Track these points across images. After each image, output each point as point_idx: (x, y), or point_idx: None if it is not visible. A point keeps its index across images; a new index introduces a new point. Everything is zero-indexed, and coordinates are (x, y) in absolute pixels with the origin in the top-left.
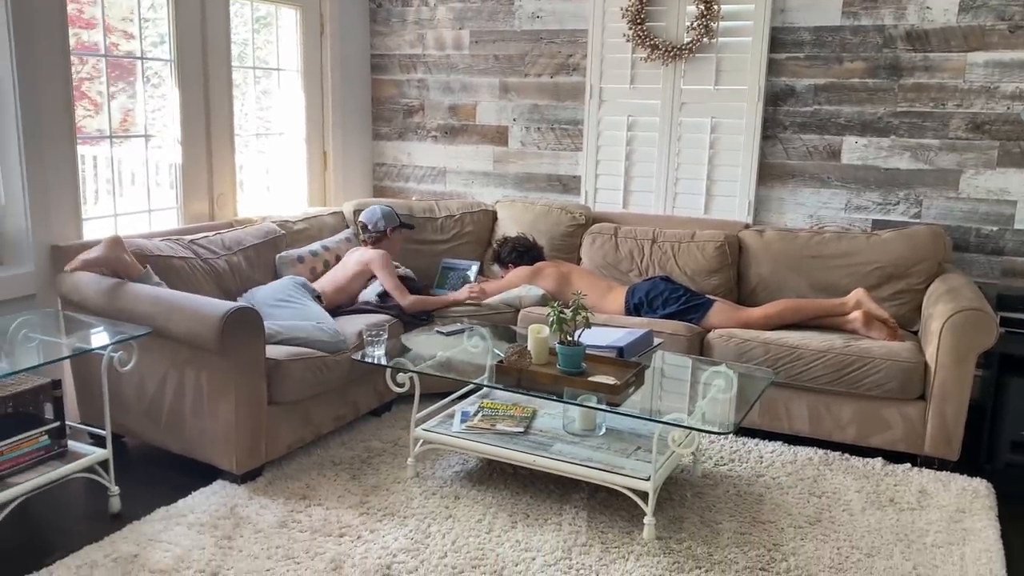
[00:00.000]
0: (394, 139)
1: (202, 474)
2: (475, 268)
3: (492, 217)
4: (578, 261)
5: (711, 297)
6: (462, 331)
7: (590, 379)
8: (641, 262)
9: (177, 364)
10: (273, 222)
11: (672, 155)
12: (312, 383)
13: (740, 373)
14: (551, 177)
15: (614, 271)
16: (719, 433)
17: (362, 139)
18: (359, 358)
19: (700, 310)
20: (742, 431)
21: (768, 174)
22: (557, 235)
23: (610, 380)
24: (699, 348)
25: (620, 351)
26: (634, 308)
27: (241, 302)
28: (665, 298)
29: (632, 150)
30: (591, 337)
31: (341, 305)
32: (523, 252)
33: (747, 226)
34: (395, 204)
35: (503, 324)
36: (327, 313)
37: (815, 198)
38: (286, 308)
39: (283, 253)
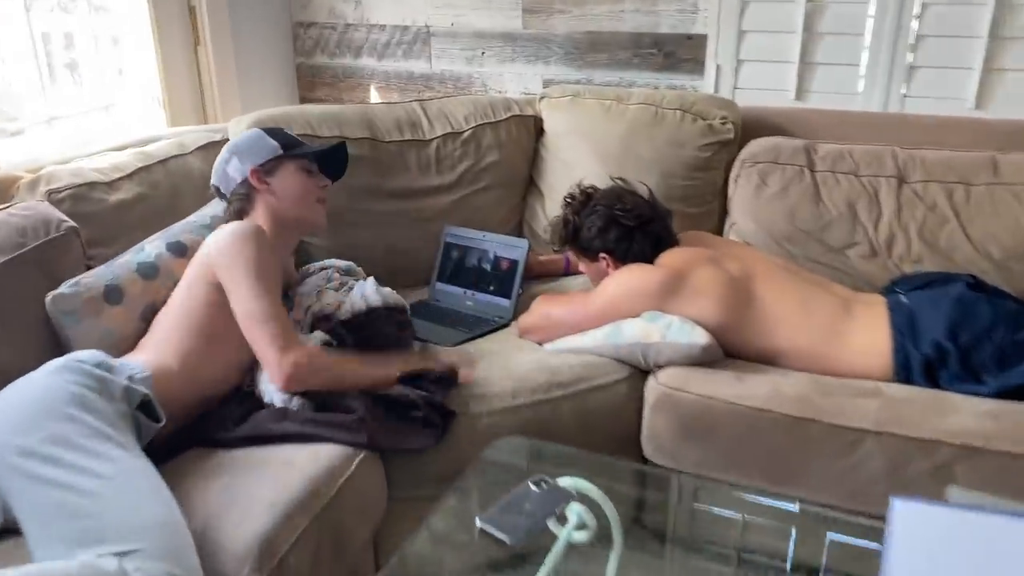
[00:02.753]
0: None
1: None
2: (520, 253)
3: (534, 130)
4: (719, 225)
5: None
6: (541, 525)
7: None
8: (875, 228)
9: None
10: (52, 191)
11: None
12: None
13: None
14: (640, 40)
15: (818, 250)
16: None
17: None
18: None
19: None
20: None
21: None
22: (677, 167)
23: None
24: None
25: None
26: (923, 364)
27: None
28: (1002, 342)
29: None
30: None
31: (228, 407)
32: (632, 229)
33: None
34: (338, 116)
35: (611, 450)
36: (160, 485)
37: None
38: (42, 486)
39: (65, 288)
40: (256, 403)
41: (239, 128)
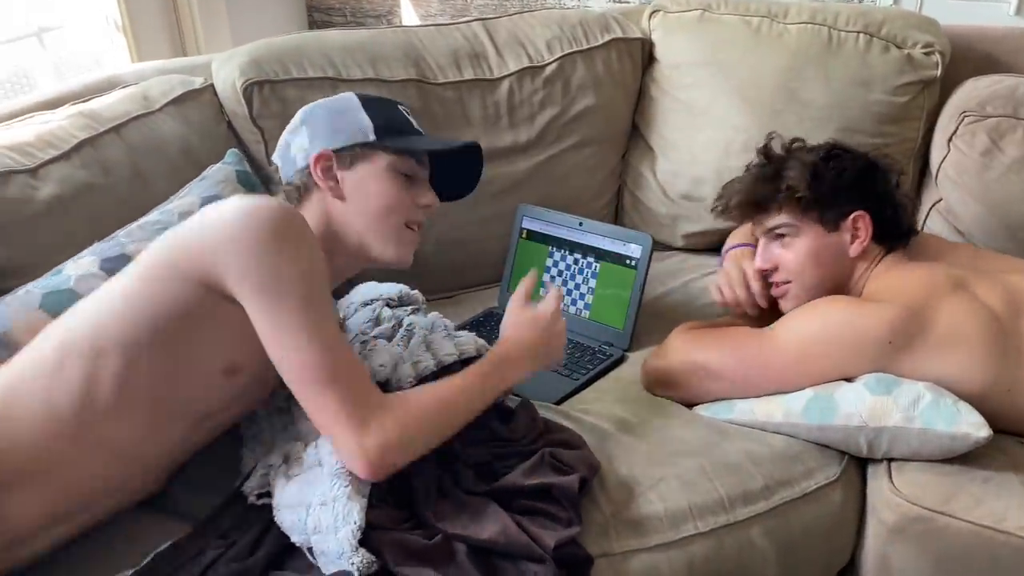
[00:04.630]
0: None
1: None
2: (640, 253)
3: (641, 60)
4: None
5: None
6: None
7: None
8: None
9: None
10: None
11: None
12: None
13: None
14: None
15: None
16: None
17: None
18: None
19: None
20: None
21: None
22: (861, 118)
23: None
24: None
25: None
26: None
27: None
28: None
29: None
30: None
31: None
32: (896, 188)
33: None
34: (369, 48)
35: None
36: None
37: None
38: None
39: None
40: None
41: (229, 69)
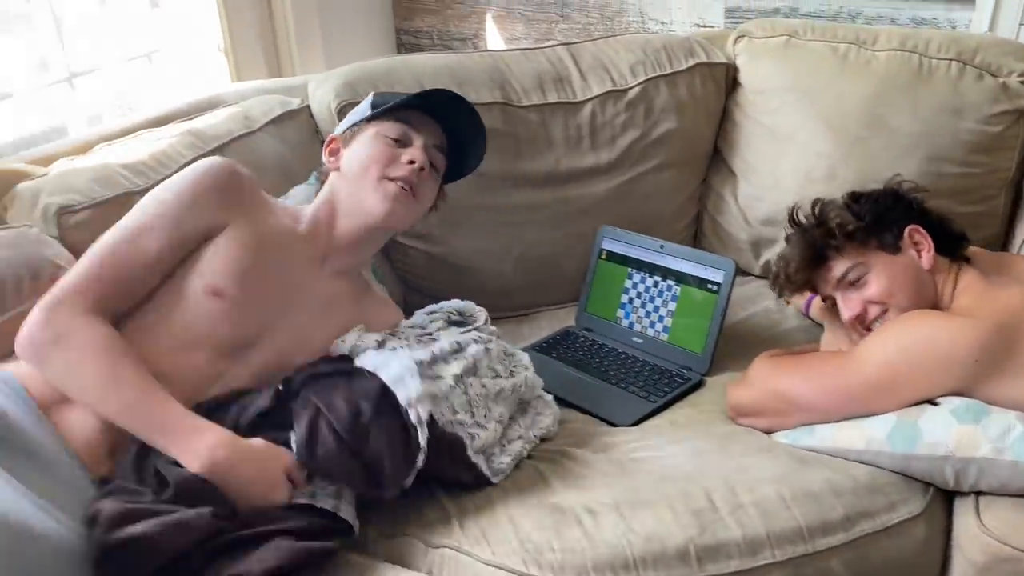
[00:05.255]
0: None
1: None
2: (723, 278)
3: (725, 84)
4: (1004, 233)
5: None
6: None
7: None
8: None
9: None
10: (64, 209)
11: None
12: None
13: None
14: None
15: None
16: None
17: None
18: None
19: None
20: None
21: None
22: (951, 147)
23: None
24: None
25: None
26: None
27: None
28: None
29: None
30: None
31: None
32: (928, 208)
33: None
34: (457, 71)
35: None
36: None
37: None
38: None
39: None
40: None
41: (325, 91)
